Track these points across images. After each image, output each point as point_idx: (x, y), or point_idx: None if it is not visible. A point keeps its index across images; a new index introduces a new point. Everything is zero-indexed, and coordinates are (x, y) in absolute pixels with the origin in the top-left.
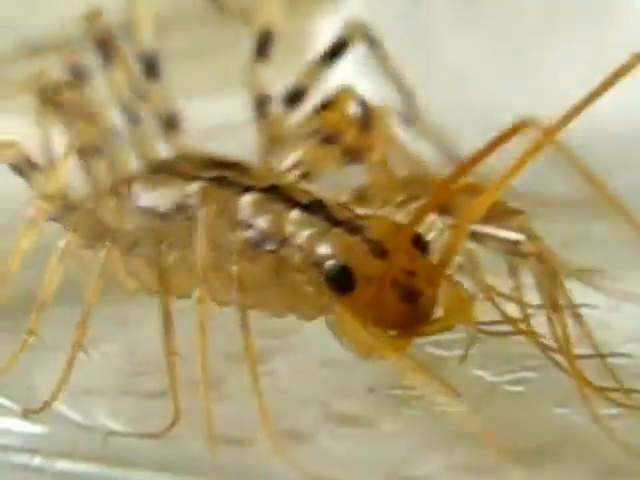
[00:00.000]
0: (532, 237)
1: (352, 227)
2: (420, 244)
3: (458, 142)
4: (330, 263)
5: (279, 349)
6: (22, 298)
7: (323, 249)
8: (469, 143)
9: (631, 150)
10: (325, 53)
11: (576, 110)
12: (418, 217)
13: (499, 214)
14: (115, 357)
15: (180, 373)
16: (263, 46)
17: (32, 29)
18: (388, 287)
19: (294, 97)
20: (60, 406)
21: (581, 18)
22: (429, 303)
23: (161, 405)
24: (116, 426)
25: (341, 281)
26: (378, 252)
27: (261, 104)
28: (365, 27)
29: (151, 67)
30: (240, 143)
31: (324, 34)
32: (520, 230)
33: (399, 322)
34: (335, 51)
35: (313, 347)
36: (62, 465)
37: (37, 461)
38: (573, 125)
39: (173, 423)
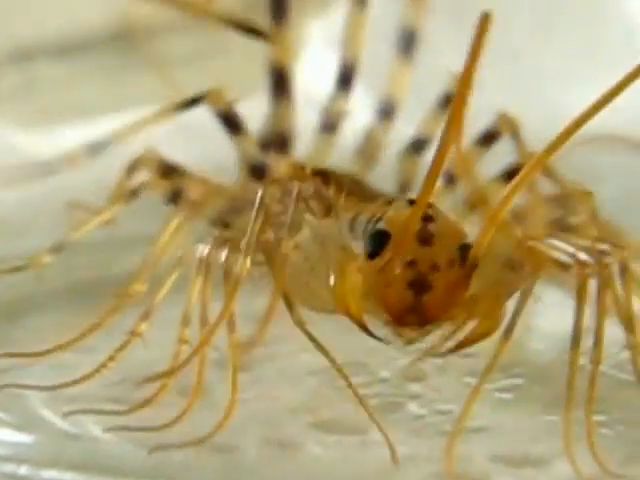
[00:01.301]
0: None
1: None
2: (463, 250)
3: None
4: (376, 226)
5: (267, 357)
6: (18, 301)
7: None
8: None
9: None
10: (479, 140)
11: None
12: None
13: (564, 201)
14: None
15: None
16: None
17: (25, 34)
18: (402, 265)
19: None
20: (47, 414)
21: (578, 20)
22: (435, 304)
23: (149, 413)
24: (103, 435)
25: (373, 241)
26: (423, 235)
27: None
28: (514, 121)
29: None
30: None
31: (317, 35)
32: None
33: (396, 304)
34: (487, 139)
35: (302, 355)
36: (49, 474)
37: (23, 470)
38: None
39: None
